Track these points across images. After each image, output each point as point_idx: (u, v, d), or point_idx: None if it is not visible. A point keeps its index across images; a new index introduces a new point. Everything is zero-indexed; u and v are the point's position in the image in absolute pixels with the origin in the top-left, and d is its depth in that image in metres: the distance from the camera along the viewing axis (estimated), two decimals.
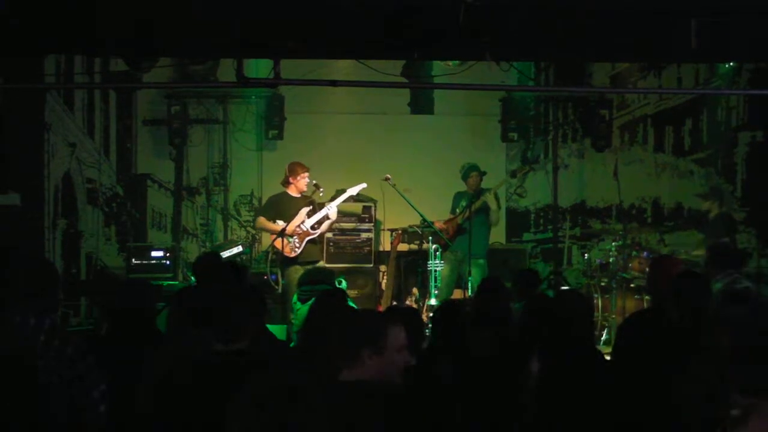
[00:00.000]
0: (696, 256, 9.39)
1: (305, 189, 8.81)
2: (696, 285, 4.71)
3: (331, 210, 8.78)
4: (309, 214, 8.76)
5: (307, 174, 8.80)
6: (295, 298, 7.08)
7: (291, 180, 8.82)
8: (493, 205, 9.11)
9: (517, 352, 4.41)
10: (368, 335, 3.33)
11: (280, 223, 8.68)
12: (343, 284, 8.26)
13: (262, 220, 8.98)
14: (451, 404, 3.67)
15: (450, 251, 9.26)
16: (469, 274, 8.86)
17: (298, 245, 8.68)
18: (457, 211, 9.31)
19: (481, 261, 9.15)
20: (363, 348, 3.29)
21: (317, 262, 8.83)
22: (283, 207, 8.82)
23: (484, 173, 9.25)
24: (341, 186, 9.70)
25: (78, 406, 3.74)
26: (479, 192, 9.18)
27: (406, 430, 3.29)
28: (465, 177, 9.35)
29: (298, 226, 8.70)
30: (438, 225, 9.25)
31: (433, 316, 5.17)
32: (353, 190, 9.00)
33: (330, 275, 7.19)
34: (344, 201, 9.03)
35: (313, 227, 8.75)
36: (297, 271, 8.59)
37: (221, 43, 6.91)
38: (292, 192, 8.85)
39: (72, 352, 3.73)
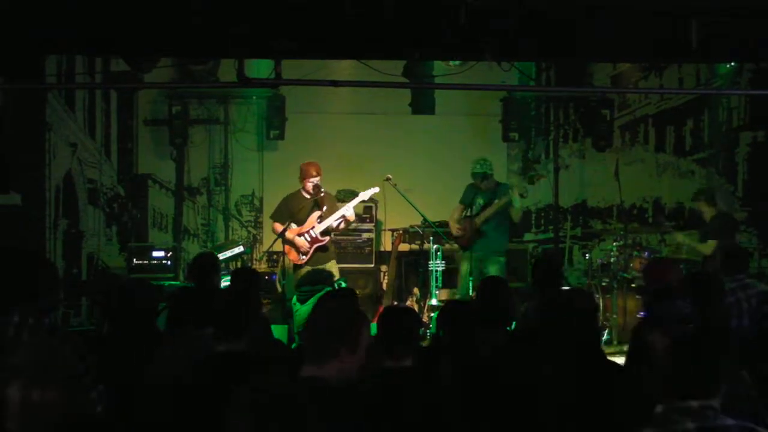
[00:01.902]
0: (697, 256, 9.40)
1: (312, 191, 8.66)
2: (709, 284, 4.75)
3: (348, 212, 8.69)
4: (320, 219, 8.68)
5: (314, 177, 8.59)
6: (294, 299, 7.08)
7: (302, 180, 8.77)
8: (516, 204, 8.79)
9: (521, 351, 4.42)
10: (347, 334, 3.33)
11: (294, 227, 8.62)
12: (343, 286, 8.25)
13: (275, 226, 8.80)
14: (449, 405, 3.66)
15: (471, 250, 8.96)
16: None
17: (306, 252, 8.62)
18: (475, 209, 9.03)
19: (502, 259, 8.93)
20: (341, 347, 3.28)
21: None
22: (294, 207, 8.71)
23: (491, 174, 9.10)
24: (342, 186, 9.70)
25: (76, 406, 3.74)
26: (496, 188, 8.97)
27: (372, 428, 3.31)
28: (474, 179, 9.03)
29: (308, 231, 8.62)
30: (454, 229, 9.02)
31: (437, 315, 5.16)
32: (365, 195, 8.88)
33: (329, 277, 7.18)
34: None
35: (322, 233, 8.68)
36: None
37: (222, 43, 6.91)
38: (305, 193, 8.72)
39: (70, 352, 3.73)
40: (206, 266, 6.20)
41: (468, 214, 9.10)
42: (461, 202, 9.19)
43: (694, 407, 2.76)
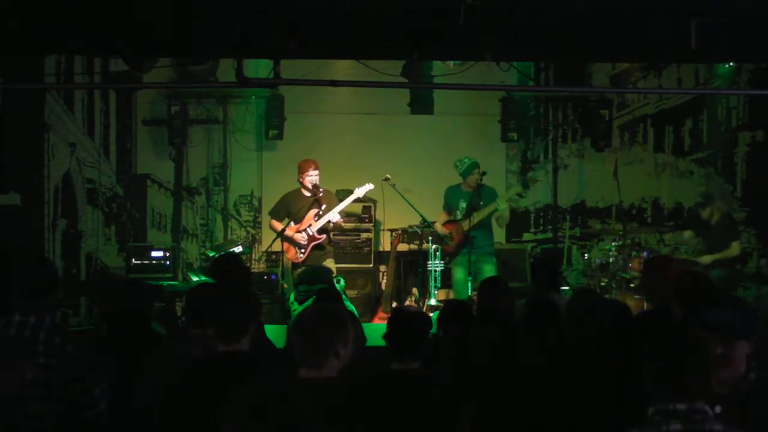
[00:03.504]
0: (699, 262, 9.39)
1: (310, 186, 8.69)
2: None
3: (335, 218, 8.73)
4: (317, 217, 8.69)
5: (311, 170, 8.67)
6: (291, 298, 7.07)
7: (299, 178, 8.77)
8: (506, 213, 8.75)
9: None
10: (341, 335, 3.34)
11: (291, 225, 8.65)
12: (342, 283, 8.24)
13: (272, 223, 8.90)
14: (446, 407, 3.66)
15: (461, 253, 8.85)
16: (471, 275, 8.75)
17: (303, 251, 8.64)
18: (458, 213, 8.96)
19: (494, 258, 8.92)
20: (339, 348, 3.31)
21: None
22: (293, 206, 8.76)
23: (484, 173, 9.07)
24: (341, 186, 9.69)
25: (79, 404, 3.75)
26: (479, 189, 8.85)
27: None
28: (466, 174, 8.94)
29: (305, 229, 8.64)
30: (441, 229, 8.97)
31: (438, 316, 5.16)
32: (360, 192, 8.91)
33: (327, 274, 7.12)
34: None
35: (319, 231, 8.69)
36: None
37: (221, 43, 6.90)
38: (304, 191, 8.77)
39: (73, 350, 3.74)
40: (223, 268, 6.08)
41: (453, 218, 9.02)
42: (445, 208, 9.13)
43: (682, 410, 2.73)
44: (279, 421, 2.35)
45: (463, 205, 8.93)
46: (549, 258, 9.55)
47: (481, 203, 8.76)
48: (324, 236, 8.71)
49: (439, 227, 9.02)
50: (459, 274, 8.90)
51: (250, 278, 6.63)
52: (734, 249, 9.47)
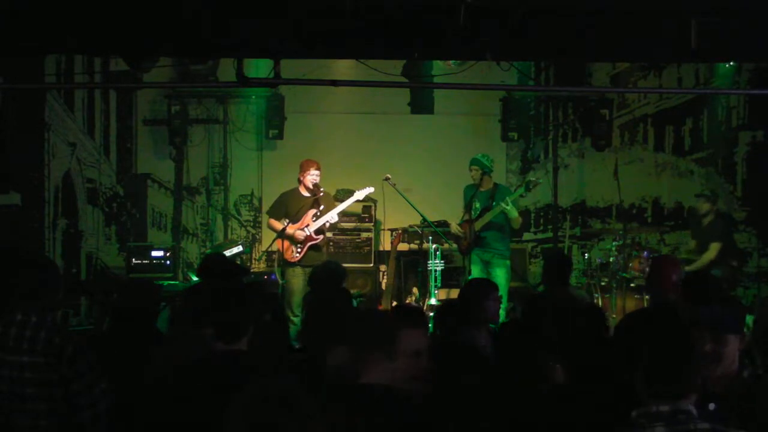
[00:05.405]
0: (696, 262, 9.39)
1: (311, 186, 8.74)
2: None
3: (333, 219, 8.76)
4: (315, 218, 8.72)
5: (313, 170, 8.72)
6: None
7: (300, 177, 8.81)
8: (513, 214, 8.57)
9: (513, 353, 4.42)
10: (377, 340, 3.28)
11: (289, 224, 8.66)
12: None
13: (270, 222, 8.93)
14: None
15: (475, 252, 8.80)
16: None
17: (300, 250, 8.65)
18: (473, 213, 8.80)
19: (508, 262, 8.79)
20: (373, 352, 3.24)
21: None
22: (290, 205, 8.78)
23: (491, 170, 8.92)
24: (341, 186, 9.70)
25: (78, 405, 3.75)
26: (495, 189, 8.79)
27: None
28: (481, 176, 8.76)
29: (302, 228, 8.66)
30: (455, 228, 8.85)
31: (434, 315, 5.17)
32: (360, 194, 8.92)
33: (341, 276, 6.50)
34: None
35: (317, 232, 8.71)
36: (296, 274, 8.57)
37: (221, 43, 6.90)
38: (303, 190, 8.81)
39: (73, 350, 3.74)
40: (212, 267, 6.05)
41: (467, 218, 8.89)
42: (465, 207, 8.95)
43: (665, 411, 2.67)
44: (280, 421, 2.35)
45: (477, 205, 8.84)
46: (557, 254, 9.56)
47: (494, 204, 8.68)
48: (321, 237, 8.73)
49: (454, 227, 8.94)
50: (475, 271, 8.78)
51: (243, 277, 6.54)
52: (711, 251, 9.43)
